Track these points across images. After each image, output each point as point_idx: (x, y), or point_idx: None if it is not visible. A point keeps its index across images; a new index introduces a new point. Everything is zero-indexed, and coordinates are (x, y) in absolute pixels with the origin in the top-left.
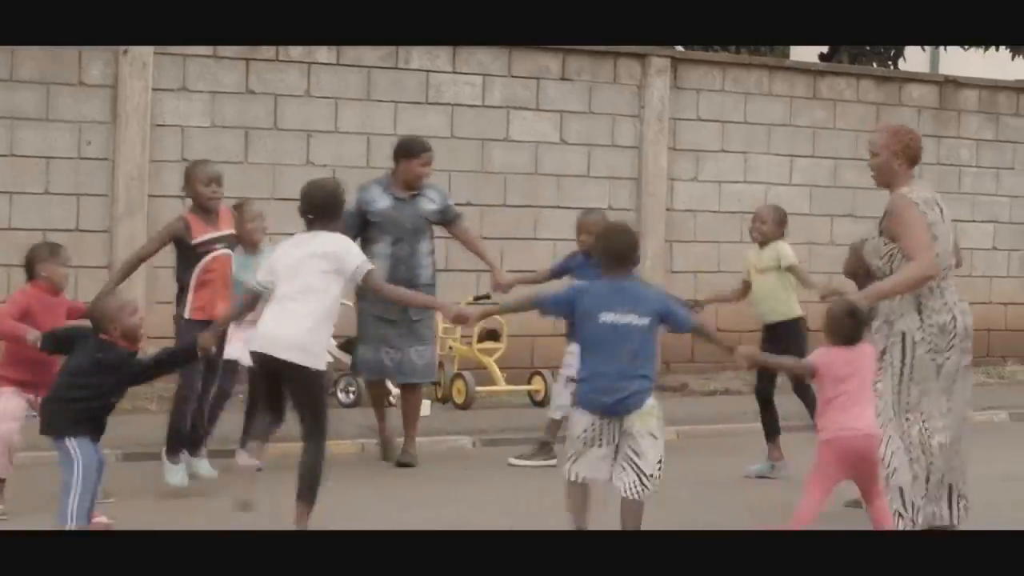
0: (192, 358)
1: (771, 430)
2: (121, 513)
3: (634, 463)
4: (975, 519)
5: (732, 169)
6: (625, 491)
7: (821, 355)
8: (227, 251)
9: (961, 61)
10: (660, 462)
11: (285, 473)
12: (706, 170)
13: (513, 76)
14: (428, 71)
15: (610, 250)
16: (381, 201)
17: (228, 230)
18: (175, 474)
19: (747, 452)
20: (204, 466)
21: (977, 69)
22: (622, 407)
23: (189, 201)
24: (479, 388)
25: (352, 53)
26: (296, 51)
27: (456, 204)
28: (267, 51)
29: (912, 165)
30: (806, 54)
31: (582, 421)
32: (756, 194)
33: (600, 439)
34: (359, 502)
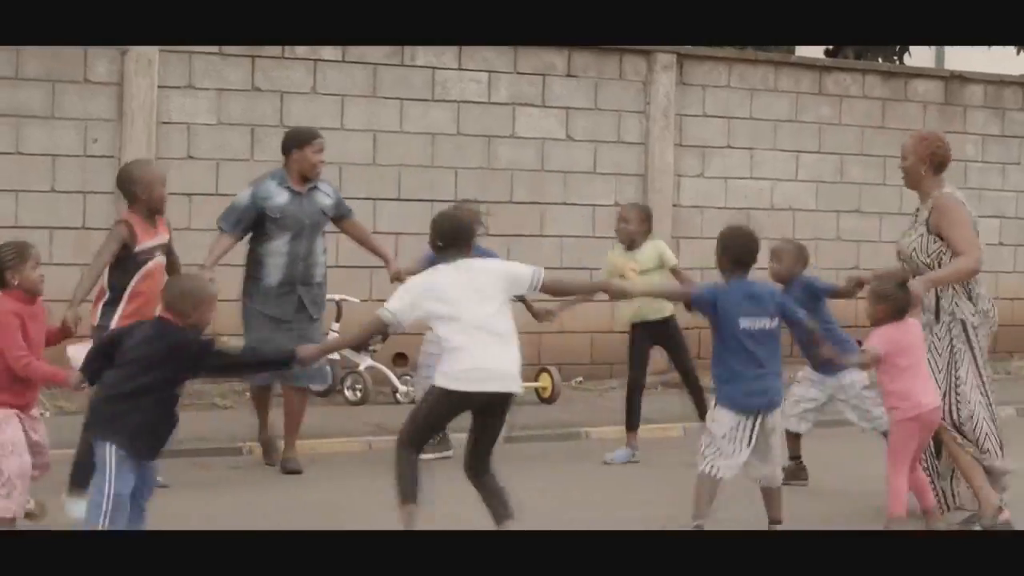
0: (283, 367)
1: (633, 423)
2: None
3: (771, 458)
4: None
5: (738, 165)
6: (766, 482)
7: (881, 339)
8: (161, 260)
9: (966, 56)
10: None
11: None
12: (712, 166)
13: (519, 73)
14: (434, 68)
15: (731, 252)
16: (279, 196)
17: (166, 234)
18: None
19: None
20: None
21: (983, 64)
22: (768, 405)
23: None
24: None
25: (358, 50)
26: (302, 48)
27: (459, 201)
28: (273, 48)
29: (938, 171)
30: (812, 50)
31: (727, 421)
32: (762, 190)
33: (744, 440)
34: (363, 499)
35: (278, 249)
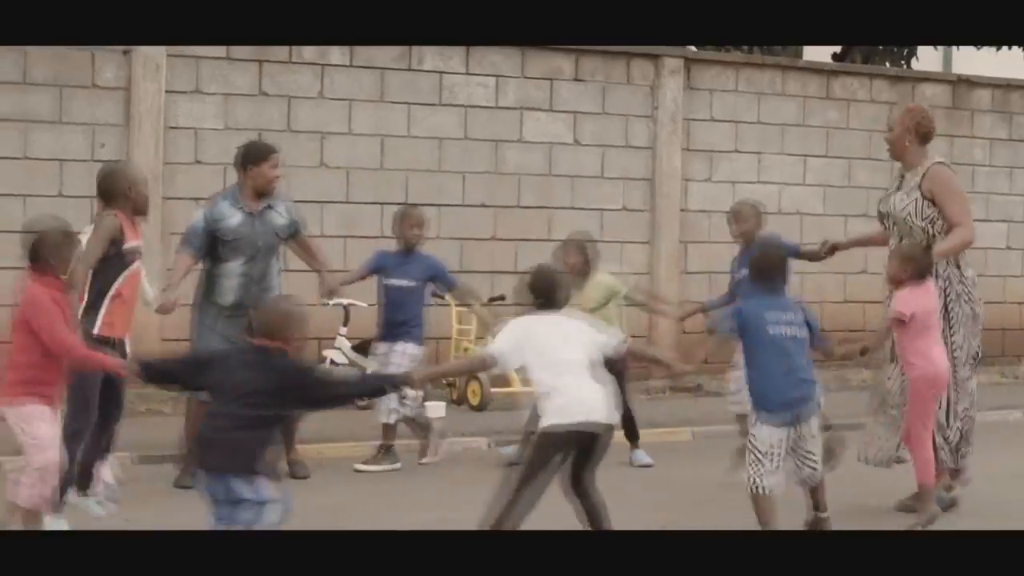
0: (392, 391)
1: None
2: (136, 515)
3: (809, 462)
4: (986, 517)
5: (746, 169)
6: (805, 480)
7: (907, 303)
8: (140, 266)
9: (974, 60)
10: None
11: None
12: (720, 170)
13: (526, 77)
14: (441, 72)
15: (765, 268)
16: (232, 218)
17: (141, 239)
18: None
19: None
20: (94, 505)
21: (990, 68)
22: (805, 413)
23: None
24: (494, 389)
25: (365, 54)
26: (309, 53)
27: (469, 206)
28: (280, 53)
29: (923, 143)
30: (819, 54)
31: (768, 438)
32: (770, 194)
33: (783, 452)
34: (371, 502)
35: (232, 271)
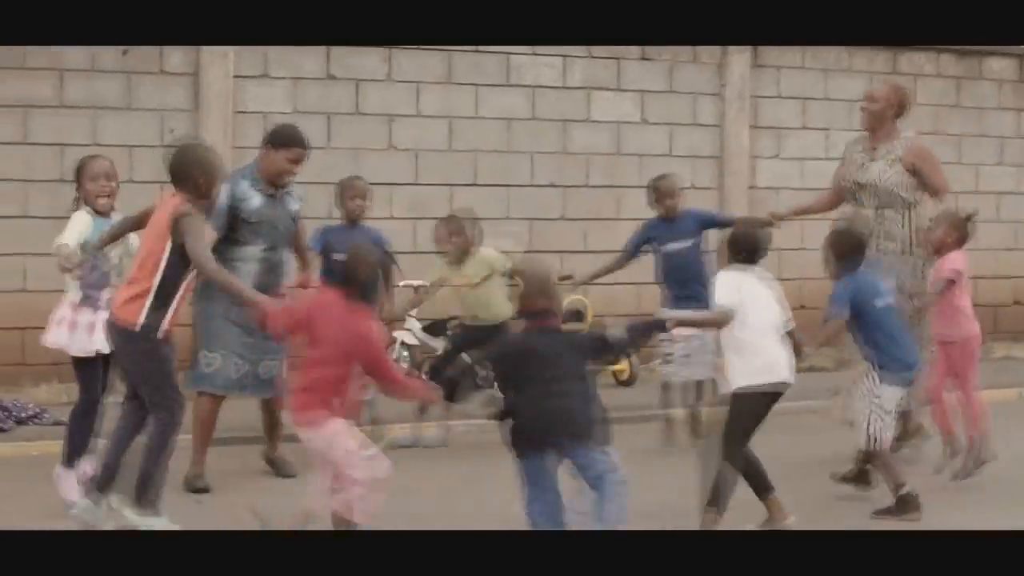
0: (663, 329)
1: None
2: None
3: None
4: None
5: (814, 146)
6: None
7: (959, 263)
8: None
9: None
10: None
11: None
12: (788, 148)
13: (593, 57)
14: (508, 53)
15: (845, 252)
16: (254, 198)
17: None
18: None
19: (830, 431)
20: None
21: None
22: (920, 367)
23: None
24: None
25: None
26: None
27: (538, 186)
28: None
29: (898, 117)
30: None
31: (894, 396)
32: None
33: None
34: (474, 480)
35: (252, 255)
